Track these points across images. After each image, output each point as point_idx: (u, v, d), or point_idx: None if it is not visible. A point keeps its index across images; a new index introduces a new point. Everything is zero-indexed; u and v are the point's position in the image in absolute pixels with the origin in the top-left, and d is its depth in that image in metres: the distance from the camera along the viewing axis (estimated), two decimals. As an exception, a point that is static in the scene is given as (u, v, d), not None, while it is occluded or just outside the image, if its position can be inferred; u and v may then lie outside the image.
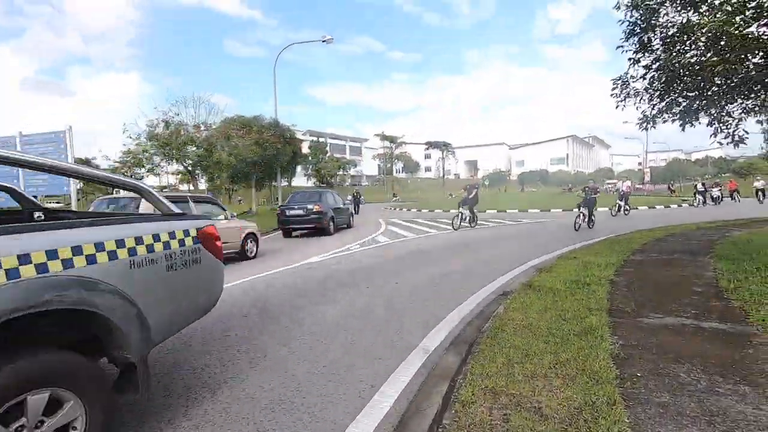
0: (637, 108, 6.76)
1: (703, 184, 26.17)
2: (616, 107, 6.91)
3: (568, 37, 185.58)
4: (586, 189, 14.00)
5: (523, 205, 27.90)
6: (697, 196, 25.20)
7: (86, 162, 43.50)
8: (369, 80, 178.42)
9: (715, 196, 26.19)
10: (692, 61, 5.78)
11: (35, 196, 6.50)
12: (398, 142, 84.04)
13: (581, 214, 13.07)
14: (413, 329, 4.24)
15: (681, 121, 6.32)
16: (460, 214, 14.40)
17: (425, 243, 11.27)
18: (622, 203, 19.01)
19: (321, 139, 77.48)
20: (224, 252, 8.60)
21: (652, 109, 6.62)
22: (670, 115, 6.36)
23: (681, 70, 5.95)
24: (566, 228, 14.08)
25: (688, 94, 6.12)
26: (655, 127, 6.84)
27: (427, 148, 69.48)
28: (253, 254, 9.48)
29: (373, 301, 5.40)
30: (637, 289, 5.09)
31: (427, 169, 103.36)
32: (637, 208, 22.96)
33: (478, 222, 15.63)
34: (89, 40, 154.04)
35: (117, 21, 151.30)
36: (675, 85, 6.18)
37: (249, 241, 9.38)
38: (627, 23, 6.47)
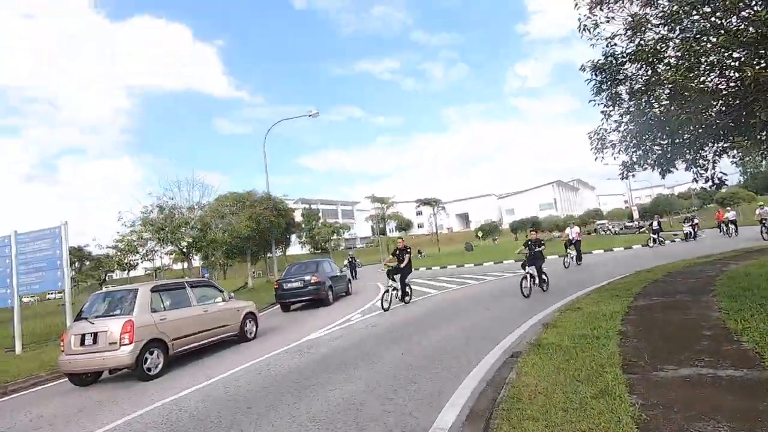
0: (614, 158, 7.08)
1: (659, 223, 23.46)
2: (595, 159, 7.22)
3: (538, 90, 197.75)
4: (529, 243, 10.89)
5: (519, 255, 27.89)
6: (651, 235, 22.53)
7: (79, 250, 43.29)
8: (354, 145, 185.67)
9: (687, 232, 24.85)
10: (658, 112, 6.16)
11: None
12: (389, 202, 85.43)
13: (527, 276, 10.11)
14: (424, 407, 4.07)
15: (659, 168, 6.60)
16: (390, 290, 10.99)
17: (427, 306, 11.09)
18: (573, 253, 17.10)
19: (313, 206, 78.62)
20: (222, 336, 8.43)
21: (630, 157, 6.92)
22: (648, 164, 6.64)
23: (651, 121, 6.33)
24: (570, 273, 14.03)
25: (661, 142, 6.46)
26: (634, 176, 7.12)
27: (418, 206, 70.79)
28: (252, 335, 9.21)
29: (378, 378, 5.21)
30: (647, 338, 5.01)
31: (420, 226, 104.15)
32: (591, 252, 22.10)
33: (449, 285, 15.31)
34: (84, 131, 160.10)
35: (110, 111, 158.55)
36: (648, 134, 6.54)
37: (248, 321, 9.16)
38: (594, 82, 6.96)
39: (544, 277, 10.70)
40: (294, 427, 3.99)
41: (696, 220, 26.92)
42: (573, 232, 17.41)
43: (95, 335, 6.60)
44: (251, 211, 21.07)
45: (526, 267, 10.39)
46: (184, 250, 19.08)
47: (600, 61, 6.74)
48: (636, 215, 52.96)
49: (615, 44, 6.69)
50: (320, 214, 71.86)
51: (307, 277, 13.66)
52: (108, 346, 6.51)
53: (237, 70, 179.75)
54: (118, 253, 21.75)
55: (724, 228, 24.93)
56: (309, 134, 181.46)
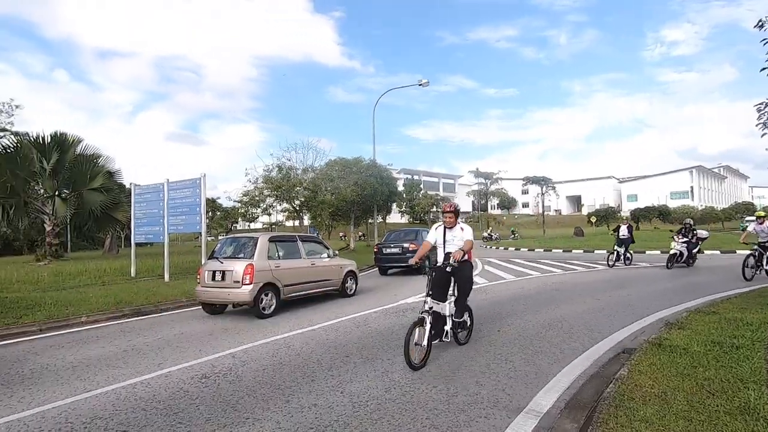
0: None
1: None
2: (762, 136, 5.96)
3: (686, 59, 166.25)
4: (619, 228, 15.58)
5: (640, 244, 24.92)
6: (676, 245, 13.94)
7: (213, 201, 49.99)
8: (462, 117, 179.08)
9: None
10: None
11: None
12: (493, 178, 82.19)
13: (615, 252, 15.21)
14: (519, 386, 3.93)
15: None
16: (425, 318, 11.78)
17: (528, 287, 10.59)
18: (621, 251, 15.25)
19: (415, 177, 79.23)
20: (325, 289, 9.07)
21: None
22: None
23: None
24: (698, 273, 12.18)
25: None
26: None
27: (525, 184, 66.51)
28: (352, 292, 9.80)
29: (473, 352, 5.16)
30: (808, 358, 4.13)
31: (525, 205, 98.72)
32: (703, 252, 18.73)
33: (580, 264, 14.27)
34: (220, 96, 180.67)
35: (241, 80, 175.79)
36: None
37: (349, 279, 9.75)
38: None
39: (629, 253, 15.65)
40: (386, 381, 4.17)
41: None
42: (624, 228, 15.41)
43: (223, 273, 7.61)
44: (357, 177, 22.01)
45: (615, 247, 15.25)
46: (297, 208, 20.85)
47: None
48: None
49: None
50: (421, 185, 72.22)
51: (405, 245, 13.94)
52: (233, 284, 7.47)
53: (351, 40, 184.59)
54: (243, 206, 24.63)
55: None
56: (417, 104, 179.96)
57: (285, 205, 21.58)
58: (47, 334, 6.76)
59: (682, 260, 13.82)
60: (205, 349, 5.55)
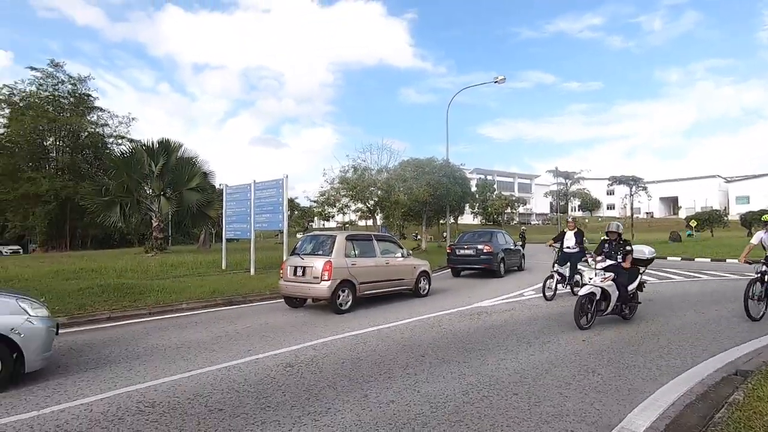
0: None
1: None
2: None
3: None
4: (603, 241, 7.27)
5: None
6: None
7: (291, 201, 53.03)
8: (539, 114, 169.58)
9: None
10: None
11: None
12: (575, 177, 77.15)
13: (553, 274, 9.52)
14: (609, 401, 3.65)
15: None
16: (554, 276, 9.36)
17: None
18: (566, 271, 9.57)
19: (488, 177, 77.00)
20: (399, 288, 9.16)
21: None
22: None
23: None
24: None
25: None
26: None
27: (611, 184, 61.22)
28: (425, 292, 9.79)
29: (556, 360, 4.89)
30: None
31: (610, 207, 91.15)
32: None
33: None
34: (299, 102, 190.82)
35: (318, 86, 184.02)
36: None
37: (422, 279, 9.75)
38: None
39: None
40: (464, 384, 4.11)
41: None
42: (569, 237, 9.89)
43: (304, 269, 8.03)
44: (430, 178, 21.96)
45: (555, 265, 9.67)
46: (370, 207, 21.34)
47: None
48: None
49: None
50: (495, 186, 69.97)
51: (480, 246, 13.62)
52: (312, 279, 7.85)
53: (423, 41, 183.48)
54: (319, 206, 25.82)
55: None
56: (490, 102, 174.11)
57: (359, 204, 22.22)
58: (155, 317, 7.64)
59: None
60: (288, 340, 5.90)
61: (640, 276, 7.08)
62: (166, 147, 21.40)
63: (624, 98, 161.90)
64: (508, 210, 63.84)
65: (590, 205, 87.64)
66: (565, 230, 10.02)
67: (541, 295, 9.29)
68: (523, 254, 16.70)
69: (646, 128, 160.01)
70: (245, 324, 7.02)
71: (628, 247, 6.85)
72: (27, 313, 4.19)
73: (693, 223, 43.73)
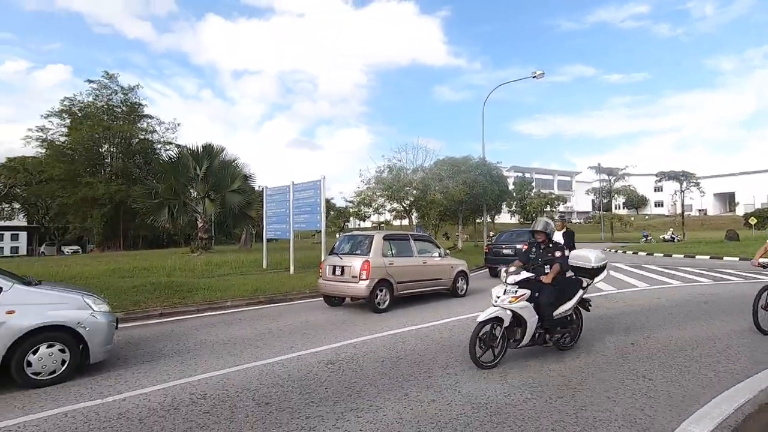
0: None
1: None
2: None
3: None
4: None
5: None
6: None
7: (327, 201, 53.97)
8: (578, 109, 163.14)
9: None
10: None
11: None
12: (619, 174, 73.79)
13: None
14: (661, 408, 3.50)
15: None
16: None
17: (666, 296, 9.29)
18: None
19: (526, 175, 75.00)
20: (436, 288, 9.12)
21: None
22: None
23: None
24: None
25: None
26: None
27: (659, 180, 57.89)
28: (463, 292, 9.70)
29: (603, 363, 4.73)
30: None
31: (658, 204, 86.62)
32: None
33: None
34: (334, 104, 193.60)
35: (352, 87, 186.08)
36: None
37: (460, 279, 9.67)
38: None
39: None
40: (505, 386, 4.05)
41: None
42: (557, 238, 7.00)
43: (342, 268, 8.16)
44: (466, 176, 21.70)
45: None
46: (406, 207, 21.36)
47: None
48: None
49: None
50: (533, 184, 68.07)
51: (519, 246, 13.31)
52: (350, 279, 7.96)
53: (457, 38, 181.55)
54: (355, 206, 26.13)
55: None
56: (527, 97, 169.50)
57: (395, 204, 22.28)
58: (202, 314, 8.01)
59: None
60: (328, 337, 6.03)
61: (582, 291, 5.17)
62: (209, 151, 22.36)
63: (672, 89, 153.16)
64: (548, 208, 61.85)
65: (636, 202, 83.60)
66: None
67: (588, 293, 8.93)
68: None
69: (698, 120, 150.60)
70: (287, 321, 7.23)
71: (557, 254, 5.02)
72: (91, 308, 4.53)
73: (753, 221, 40.79)
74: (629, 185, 79.85)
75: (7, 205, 34.24)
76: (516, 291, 4.67)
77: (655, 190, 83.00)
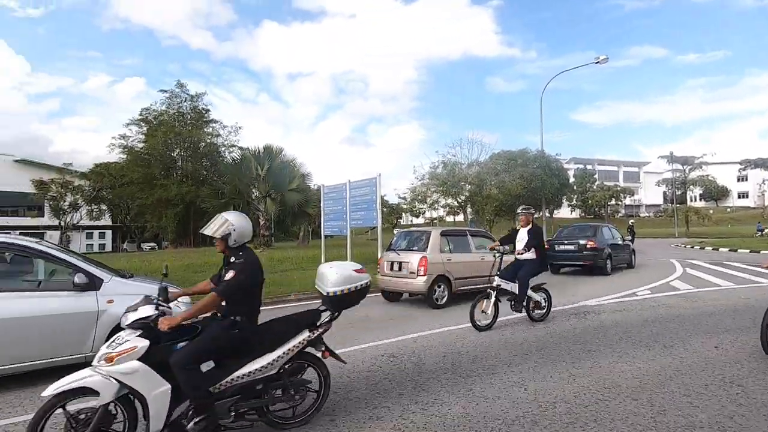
0: None
1: None
2: None
3: None
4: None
5: None
6: None
7: (381, 198, 54.61)
8: (646, 94, 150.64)
9: None
10: None
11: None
12: (695, 163, 67.73)
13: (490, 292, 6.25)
14: (754, 417, 3.22)
15: None
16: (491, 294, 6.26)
17: (756, 297, 8.45)
18: (507, 285, 6.39)
19: (588, 167, 70.98)
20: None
21: None
22: None
23: None
24: None
25: None
26: None
27: (743, 168, 52.29)
28: (523, 289, 9.45)
29: (678, 364, 4.42)
30: None
31: (742, 196, 78.34)
32: None
33: None
34: (385, 101, 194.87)
35: (402, 84, 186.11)
36: None
37: (519, 275, 9.41)
38: None
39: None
40: (575, 386, 3.92)
41: None
42: (522, 235, 6.86)
43: (400, 264, 8.26)
44: (523, 170, 20.98)
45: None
46: (461, 203, 21.09)
47: None
48: None
49: None
50: (596, 176, 64.20)
51: (582, 242, 12.71)
52: (408, 275, 8.04)
53: (510, 27, 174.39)
54: (408, 203, 26.22)
55: None
56: (587, 85, 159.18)
57: (449, 200, 22.08)
58: (269, 307, 8.46)
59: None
60: (389, 332, 6.15)
61: (304, 336, 3.26)
62: (269, 152, 23.47)
63: (756, 67, 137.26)
64: (612, 202, 58.09)
65: (715, 193, 76.14)
66: (517, 227, 6.92)
67: (663, 292, 8.38)
68: (633, 250, 15.17)
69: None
70: (348, 316, 7.42)
71: (228, 274, 3.01)
72: (175, 299, 4.95)
73: None
74: (707, 175, 73.01)
75: (95, 207, 37.98)
76: (124, 341, 2.76)
77: (738, 180, 75.46)
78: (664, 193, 76.67)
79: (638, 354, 4.85)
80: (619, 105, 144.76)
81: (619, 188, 61.75)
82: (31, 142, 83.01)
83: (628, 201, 69.83)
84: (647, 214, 75.07)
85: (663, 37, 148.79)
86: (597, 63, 20.98)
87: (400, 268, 8.25)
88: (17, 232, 6.27)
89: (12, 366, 4.06)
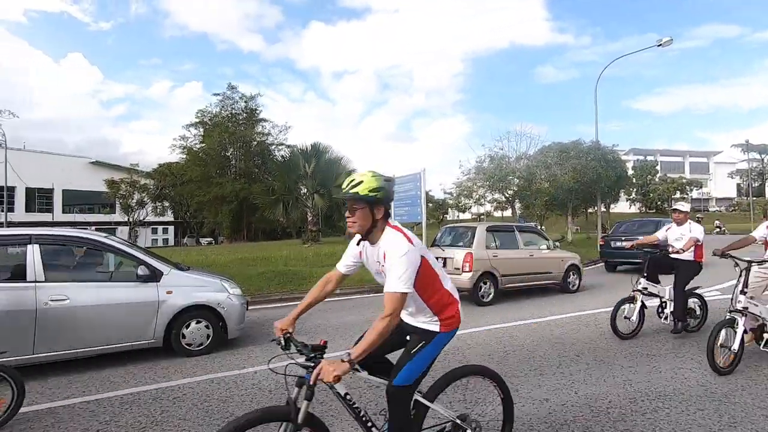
0: None
1: None
2: None
3: None
4: None
5: None
6: None
7: (426, 193, 54.29)
8: (717, 77, 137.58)
9: None
10: None
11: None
12: (775, 151, 61.46)
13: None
14: None
15: None
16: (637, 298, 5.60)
17: None
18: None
19: (649, 158, 66.41)
20: (545, 282, 8.63)
21: None
22: None
23: None
24: None
25: None
26: None
27: (835, 156, 46.60)
28: (575, 288, 9.01)
29: (755, 376, 4.03)
30: None
31: (834, 187, 69.80)
32: None
33: None
34: (429, 95, 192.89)
35: (447, 77, 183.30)
36: None
37: (571, 273, 8.99)
38: None
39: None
40: (630, 391, 3.69)
41: None
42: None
43: (445, 260, 8.15)
44: (576, 162, 19.94)
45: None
46: (509, 197, 20.45)
47: None
48: None
49: None
50: (658, 167, 59.86)
51: (641, 238, 11.89)
52: (453, 270, 7.92)
53: (562, 12, 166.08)
54: (454, 198, 25.85)
55: None
56: (646, 70, 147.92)
57: (496, 195, 21.48)
58: (340, 298, 8.68)
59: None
60: (433, 328, 6.10)
61: None
62: (316, 149, 24.02)
63: None
64: (677, 195, 53.92)
65: (800, 185, 68.42)
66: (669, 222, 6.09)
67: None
68: (701, 247, 14.00)
69: None
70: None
71: None
72: (228, 291, 5.22)
73: None
74: (790, 164, 66.03)
75: (159, 204, 40.81)
76: None
77: (828, 169, 67.15)
78: (738, 185, 70.15)
79: (705, 359, 4.45)
80: (682, 91, 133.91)
81: (684, 180, 57.26)
82: (102, 144, 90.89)
83: (695, 194, 64.53)
84: (718, 208, 69.00)
85: (734, 13, 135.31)
86: (660, 46, 19.45)
87: (444, 264, 8.14)
88: (93, 227, 6.87)
89: (88, 349, 4.43)
